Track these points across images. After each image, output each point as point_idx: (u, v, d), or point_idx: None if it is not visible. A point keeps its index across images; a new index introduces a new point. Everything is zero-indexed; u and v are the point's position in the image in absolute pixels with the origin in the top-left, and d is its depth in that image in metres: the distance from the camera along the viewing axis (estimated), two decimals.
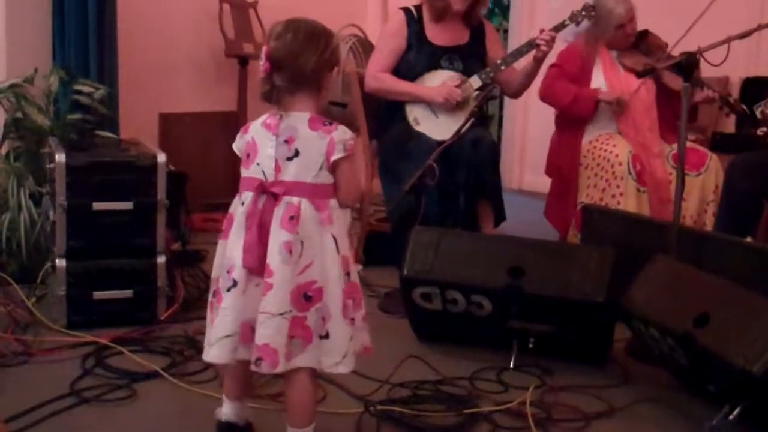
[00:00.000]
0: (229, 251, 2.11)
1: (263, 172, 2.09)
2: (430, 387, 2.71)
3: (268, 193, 2.07)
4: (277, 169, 2.08)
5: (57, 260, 3.10)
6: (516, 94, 4.18)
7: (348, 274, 2.13)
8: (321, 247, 2.08)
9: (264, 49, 2.08)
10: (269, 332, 2.03)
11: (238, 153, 2.18)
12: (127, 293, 3.17)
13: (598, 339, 2.94)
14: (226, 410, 2.28)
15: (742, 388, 2.38)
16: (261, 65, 2.08)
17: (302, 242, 2.05)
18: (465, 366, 2.89)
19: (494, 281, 2.90)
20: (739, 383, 2.36)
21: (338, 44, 2.15)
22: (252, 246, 2.05)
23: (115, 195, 3.14)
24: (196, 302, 3.37)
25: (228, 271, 2.10)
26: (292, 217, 2.05)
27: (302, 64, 2.06)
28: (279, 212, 2.06)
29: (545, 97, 4.10)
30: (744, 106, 4.10)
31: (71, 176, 3.08)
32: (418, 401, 2.60)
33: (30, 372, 2.73)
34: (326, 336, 2.09)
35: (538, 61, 3.84)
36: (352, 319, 2.13)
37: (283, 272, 2.03)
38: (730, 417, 2.42)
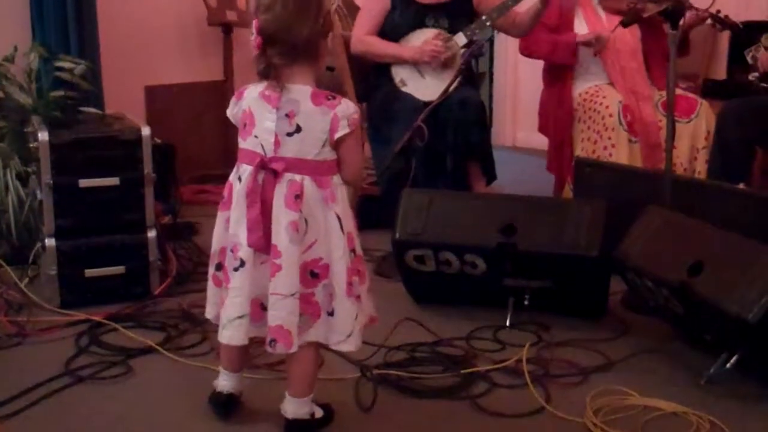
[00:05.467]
0: (232, 229, 2.07)
1: (262, 145, 2.04)
2: (426, 349, 2.70)
3: (268, 169, 2.02)
4: (277, 143, 2.03)
5: (46, 240, 3.08)
6: (523, 35, 4.07)
7: (353, 250, 2.11)
8: (325, 226, 2.05)
9: (254, 23, 2.00)
10: (282, 313, 2.02)
11: (233, 121, 2.13)
12: (120, 269, 3.14)
13: (594, 293, 2.93)
14: (225, 382, 2.28)
15: (738, 336, 2.38)
16: (252, 40, 2.00)
17: (306, 220, 2.02)
18: (461, 326, 2.88)
19: (487, 240, 2.88)
20: (735, 331, 2.36)
21: (330, 9, 2.09)
22: (256, 224, 2.01)
23: (101, 171, 3.11)
24: (189, 275, 3.35)
25: (233, 250, 2.07)
26: (296, 196, 2.01)
27: (296, 35, 1.98)
28: (281, 190, 2.02)
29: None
30: (736, 21, 4.07)
31: (55, 154, 3.04)
32: (415, 363, 2.59)
33: (25, 353, 2.72)
34: (332, 313, 2.08)
35: (544, 2, 3.73)
36: (358, 296, 2.12)
37: (291, 252, 2.01)
38: (728, 365, 2.43)
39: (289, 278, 2.01)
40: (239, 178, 2.07)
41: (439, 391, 2.43)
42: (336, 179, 2.07)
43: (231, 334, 2.08)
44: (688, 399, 2.35)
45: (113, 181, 3.12)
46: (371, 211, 4.02)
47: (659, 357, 2.66)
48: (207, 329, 2.82)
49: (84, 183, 3.09)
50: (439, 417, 2.32)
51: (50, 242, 3.08)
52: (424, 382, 2.48)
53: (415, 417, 2.32)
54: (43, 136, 3.05)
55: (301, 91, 2.02)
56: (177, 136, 4.03)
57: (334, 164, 2.06)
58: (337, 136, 2.02)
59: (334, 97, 2.04)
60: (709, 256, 2.49)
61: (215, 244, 2.17)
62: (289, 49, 1.99)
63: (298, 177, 2.01)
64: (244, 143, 2.08)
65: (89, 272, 3.11)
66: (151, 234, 3.19)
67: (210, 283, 2.20)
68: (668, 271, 2.57)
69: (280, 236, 2.00)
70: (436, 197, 3.05)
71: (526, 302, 2.88)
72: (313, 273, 2.05)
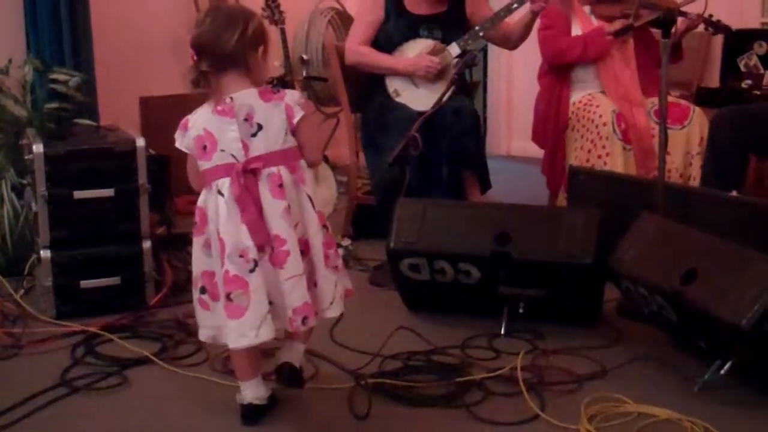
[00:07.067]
0: (232, 239, 2.12)
1: (232, 155, 2.14)
2: (421, 357, 2.70)
3: (247, 171, 2.12)
4: (245, 147, 2.15)
5: (41, 251, 3.09)
6: (515, 47, 4.12)
7: (325, 226, 2.27)
8: (300, 206, 2.21)
9: (189, 39, 2.17)
10: (303, 291, 2.16)
11: (187, 150, 2.23)
12: (115, 280, 3.15)
13: (588, 301, 2.94)
14: (248, 392, 2.32)
15: (731, 342, 2.38)
16: (190, 54, 2.16)
17: (289, 205, 2.16)
18: (456, 335, 2.88)
19: (481, 249, 2.89)
20: (729, 338, 2.36)
21: (262, 25, 2.22)
22: (256, 224, 2.11)
23: (96, 182, 3.12)
24: (184, 285, 3.33)
25: (241, 256, 2.12)
26: (280, 185, 2.14)
27: (222, 47, 2.12)
28: (265, 185, 2.13)
29: (555, 57, 4.05)
30: (727, 24, 4.09)
31: (50, 166, 3.06)
32: (409, 372, 2.59)
33: (21, 364, 2.72)
34: (314, 285, 2.24)
35: (535, 15, 3.80)
36: (336, 267, 2.29)
37: (292, 235, 2.15)
38: (722, 372, 2.43)
39: (297, 259, 2.15)
40: (219, 192, 2.14)
41: (434, 400, 2.42)
42: (302, 163, 2.23)
43: (266, 330, 2.14)
44: (683, 405, 2.35)
45: (108, 192, 3.14)
46: (366, 221, 4.04)
47: (653, 364, 2.66)
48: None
49: (79, 194, 3.10)
50: (434, 425, 2.31)
51: (45, 254, 3.08)
52: (419, 390, 2.47)
53: (410, 426, 2.32)
54: (38, 148, 3.06)
55: (248, 94, 2.17)
56: (171, 147, 4.02)
57: (297, 150, 2.22)
58: (295, 120, 2.18)
59: (279, 90, 2.21)
60: (702, 263, 2.50)
61: (196, 270, 2.25)
62: (217, 59, 2.14)
63: (274, 169, 2.16)
64: (210, 163, 2.17)
65: (84, 283, 3.11)
66: (146, 245, 3.20)
67: (197, 308, 2.26)
68: (662, 278, 2.58)
69: (279, 225, 2.13)
70: (431, 206, 3.06)
71: (520, 310, 2.88)
72: (301, 251, 2.19)
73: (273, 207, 2.13)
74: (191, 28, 2.18)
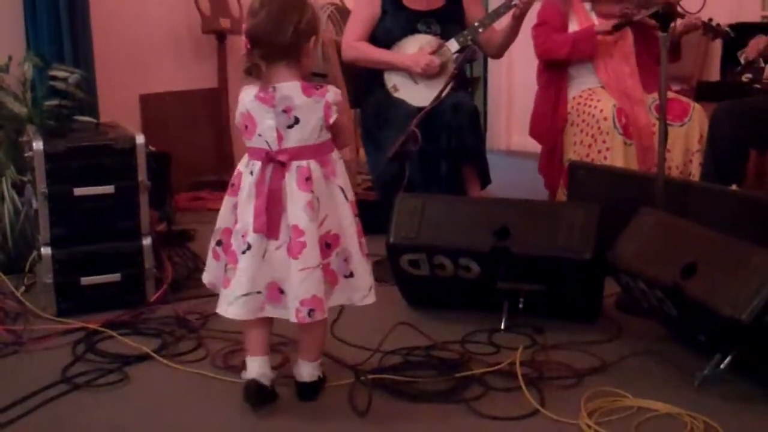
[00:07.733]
0: (242, 216, 2.26)
1: (267, 142, 2.23)
2: (421, 353, 2.71)
3: (275, 161, 2.20)
4: (280, 137, 2.22)
5: (42, 248, 3.09)
6: (498, 54, 4.15)
7: (357, 215, 2.35)
8: (331, 199, 2.26)
9: (244, 27, 2.21)
10: (314, 284, 2.21)
11: (237, 125, 2.33)
12: (115, 277, 3.15)
13: (588, 295, 2.94)
14: (254, 366, 2.36)
15: (731, 336, 2.38)
16: (243, 43, 2.20)
17: (318, 198, 2.22)
18: (456, 330, 2.89)
19: (481, 244, 2.89)
20: (728, 332, 2.36)
21: (315, 14, 2.26)
22: (261, 212, 2.20)
23: (96, 179, 3.12)
24: (185, 282, 3.36)
25: (243, 236, 2.24)
26: (307, 179, 2.21)
27: (278, 39, 2.17)
28: (292, 176, 2.21)
29: (544, 54, 4.05)
30: (727, 29, 4.09)
31: (50, 163, 3.06)
32: (409, 367, 2.59)
33: (21, 362, 2.72)
34: (351, 275, 2.31)
35: (517, 20, 3.80)
36: (367, 255, 2.36)
37: (312, 229, 2.20)
38: (721, 366, 2.43)
39: (314, 252, 2.20)
40: (251, 172, 2.25)
41: (433, 395, 2.43)
42: (334, 155, 2.30)
43: (236, 311, 2.25)
44: (682, 400, 2.36)
45: (108, 189, 3.14)
46: (367, 216, 4.02)
47: (653, 358, 2.66)
48: (202, 336, 2.84)
49: (79, 191, 3.10)
50: (434, 421, 2.32)
51: (46, 251, 3.09)
52: (419, 386, 2.48)
53: (410, 421, 2.32)
54: (38, 145, 3.06)
55: (291, 86, 2.21)
56: (172, 143, 4.04)
57: (330, 143, 2.28)
58: (331, 121, 2.24)
59: (321, 86, 2.25)
60: (702, 257, 2.50)
61: (219, 223, 2.35)
62: (271, 50, 2.19)
63: (304, 162, 2.22)
64: (251, 142, 2.27)
65: (85, 280, 3.12)
66: (147, 241, 3.20)
67: (209, 256, 2.39)
68: (661, 272, 2.57)
69: (300, 217, 2.19)
70: (430, 201, 3.06)
71: (520, 305, 2.88)
72: (327, 244, 2.26)
73: (297, 198, 2.19)
74: (246, 17, 2.21)
